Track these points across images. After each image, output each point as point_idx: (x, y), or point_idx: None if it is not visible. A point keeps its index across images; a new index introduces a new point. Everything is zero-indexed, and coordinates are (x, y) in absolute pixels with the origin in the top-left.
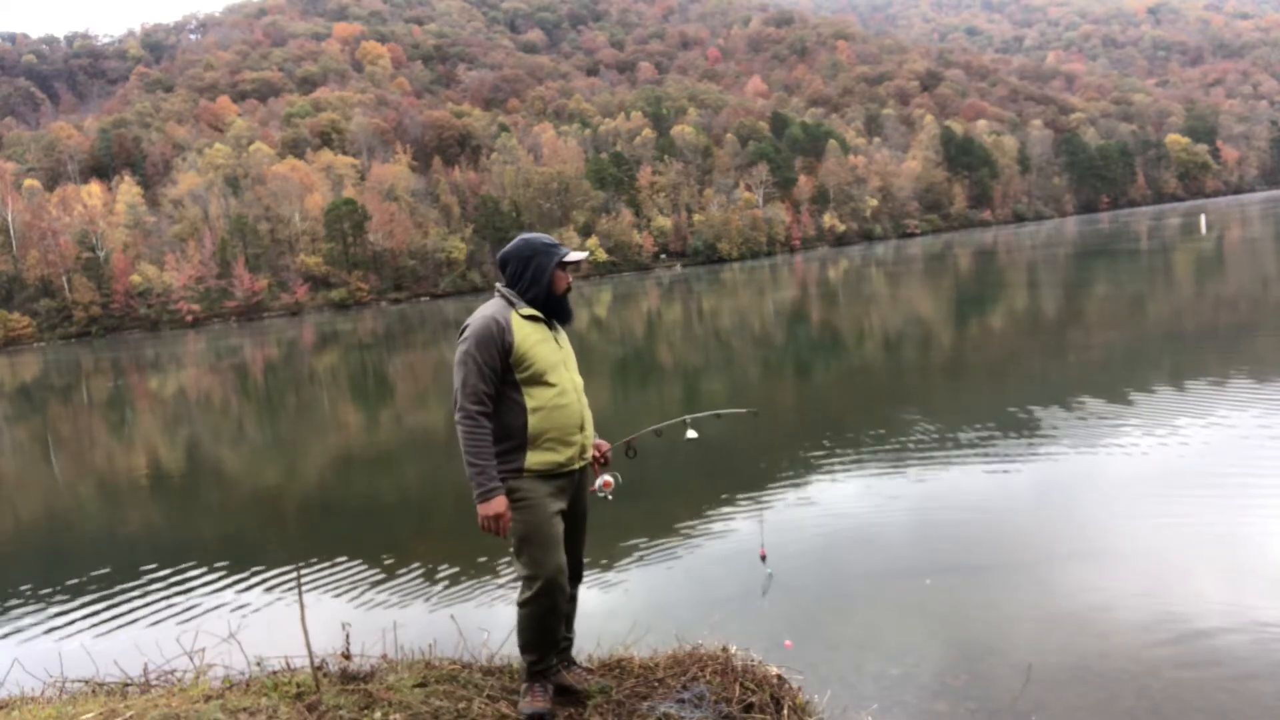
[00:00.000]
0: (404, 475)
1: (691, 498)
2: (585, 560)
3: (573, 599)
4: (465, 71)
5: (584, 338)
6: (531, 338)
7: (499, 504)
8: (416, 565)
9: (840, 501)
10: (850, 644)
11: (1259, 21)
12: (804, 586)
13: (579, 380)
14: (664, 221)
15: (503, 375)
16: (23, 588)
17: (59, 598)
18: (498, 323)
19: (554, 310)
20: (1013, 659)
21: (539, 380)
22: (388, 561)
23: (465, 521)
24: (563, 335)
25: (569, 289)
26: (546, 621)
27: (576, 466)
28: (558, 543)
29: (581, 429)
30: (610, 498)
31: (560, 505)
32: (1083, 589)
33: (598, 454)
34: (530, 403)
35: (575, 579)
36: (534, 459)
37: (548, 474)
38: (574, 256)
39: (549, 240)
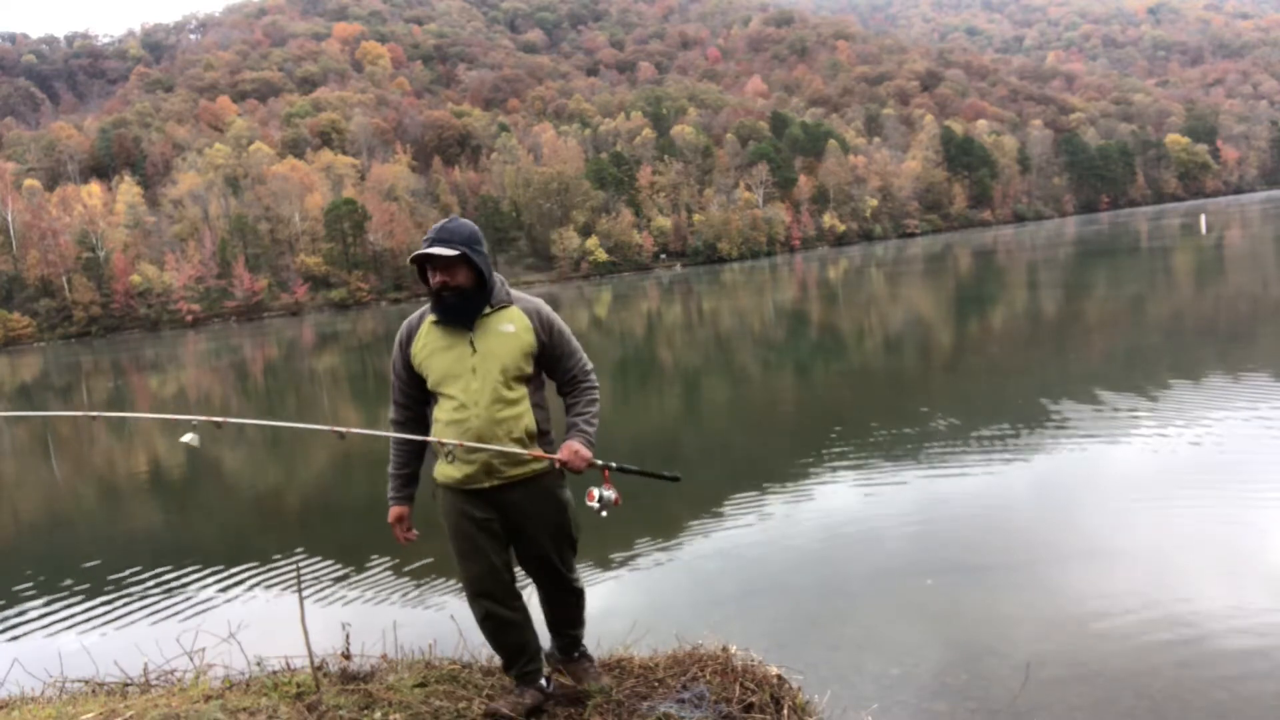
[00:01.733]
0: None
1: (691, 497)
2: (586, 560)
3: (560, 603)
4: (465, 71)
5: (584, 338)
6: (430, 347)
7: (391, 515)
8: (417, 565)
9: (841, 501)
10: (850, 644)
11: (1259, 21)
12: (804, 586)
13: (495, 389)
14: (664, 221)
15: (420, 384)
16: (23, 588)
17: (59, 598)
18: (403, 332)
19: (439, 310)
20: (1013, 659)
21: (437, 391)
22: (388, 561)
23: None
24: (492, 335)
25: (444, 286)
26: (484, 628)
27: (485, 485)
28: (470, 555)
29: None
30: (604, 514)
31: (478, 514)
32: (1083, 589)
33: (563, 464)
34: (434, 413)
35: (551, 585)
36: (438, 470)
37: (454, 488)
38: (420, 252)
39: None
